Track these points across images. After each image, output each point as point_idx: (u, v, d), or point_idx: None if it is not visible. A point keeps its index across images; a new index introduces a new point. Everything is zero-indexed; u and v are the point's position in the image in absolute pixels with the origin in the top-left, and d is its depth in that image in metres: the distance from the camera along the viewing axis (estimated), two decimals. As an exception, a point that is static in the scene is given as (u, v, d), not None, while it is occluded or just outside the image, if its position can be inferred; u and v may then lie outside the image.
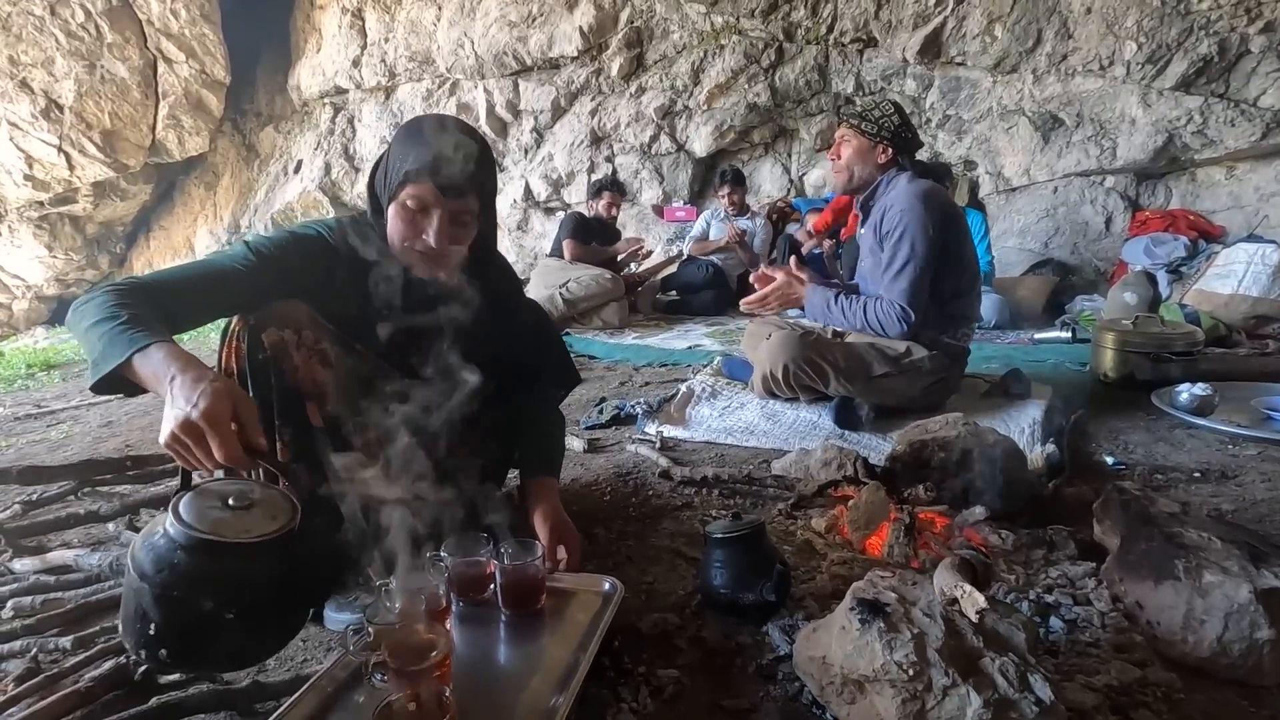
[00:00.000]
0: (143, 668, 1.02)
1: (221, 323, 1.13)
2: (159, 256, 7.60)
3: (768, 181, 5.89)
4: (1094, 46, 4.20)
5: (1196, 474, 1.76)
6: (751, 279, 2.36)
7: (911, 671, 0.86)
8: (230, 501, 0.84)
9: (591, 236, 4.81)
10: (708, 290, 4.84)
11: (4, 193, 6.53)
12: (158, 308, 0.98)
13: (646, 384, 2.92)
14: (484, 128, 6.15)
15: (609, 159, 6.06)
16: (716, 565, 1.20)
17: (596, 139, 6.00)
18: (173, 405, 0.84)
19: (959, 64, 4.74)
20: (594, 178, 5.78)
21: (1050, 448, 1.82)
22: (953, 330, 2.21)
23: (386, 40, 6.36)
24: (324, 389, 1.07)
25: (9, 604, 1.30)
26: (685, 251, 5.20)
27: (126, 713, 0.96)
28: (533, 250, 6.41)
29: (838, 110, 5.38)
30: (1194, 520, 1.22)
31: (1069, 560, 1.32)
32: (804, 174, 5.79)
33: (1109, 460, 1.86)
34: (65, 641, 1.14)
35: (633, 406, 2.42)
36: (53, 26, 6.01)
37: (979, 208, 4.65)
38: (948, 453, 1.59)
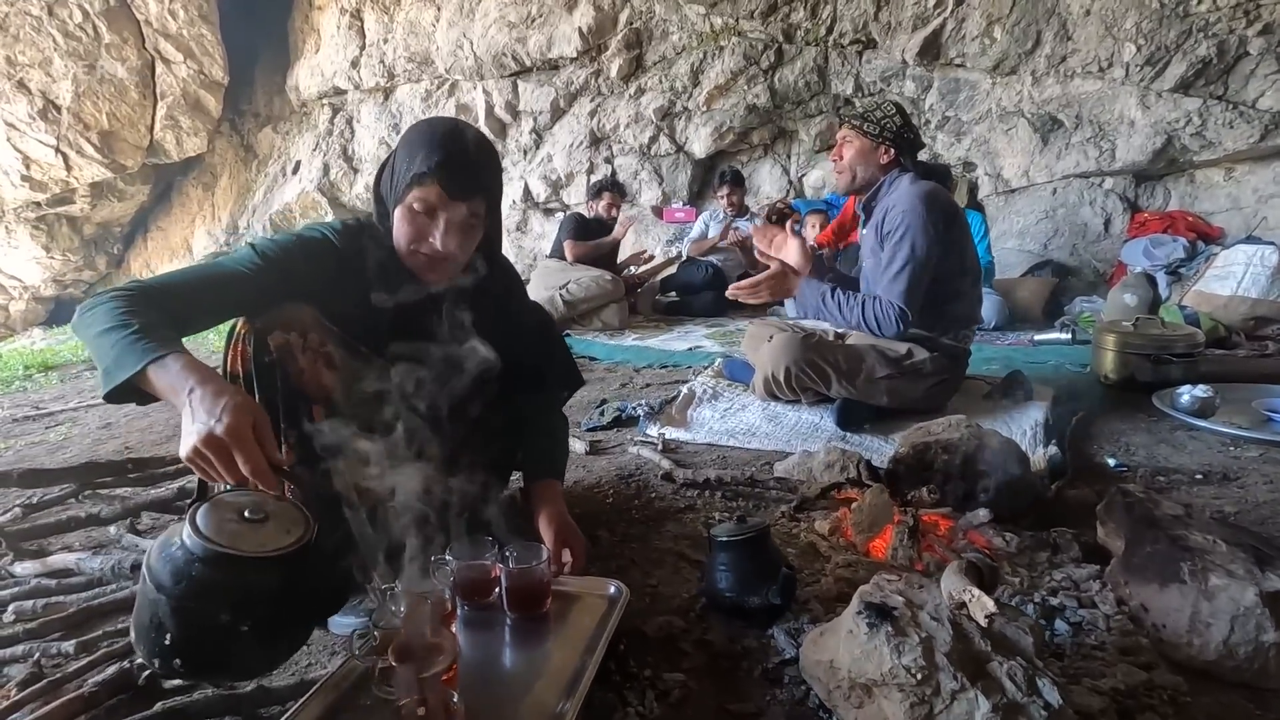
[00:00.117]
0: (147, 672, 1.02)
1: (224, 325, 1.13)
2: (156, 257, 7.59)
3: (767, 183, 5.89)
4: (1093, 48, 4.21)
5: (1198, 476, 1.76)
6: (731, 293, 2.25)
7: (920, 676, 0.86)
8: (246, 514, 0.84)
9: (591, 237, 4.80)
10: (707, 291, 4.83)
11: (1, 193, 6.51)
12: (165, 313, 0.98)
13: (647, 385, 2.92)
14: (483, 128, 6.14)
15: (608, 160, 6.06)
16: (722, 568, 1.20)
17: (596, 140, 6.00)
18: (194, 419, 0.85)
19: (958, 65, 4.75)
20: (594, 179, 5.78)
21: (1052, 450, 1.82)
22: (954, 332, 2.21)
23: (385, 41, 6.36)
24: (329, 392, 1.06)
25: (10, 608, 1.29)
26: (684, 253, 5.20)
27: (132, 718, 0.95)
28: (532, 251, 6.40)
29: (837, 111, 5.40)
30: (1198, 523, 1.22)
31: (1073, 563, 1.32)
32: (803, 175, 5.79)
33: (1111, 462, 1.87)
34: (68, 646, 1.14)
35: (634, 408, 2.42)
36: (50, 27, 6.00)
37: (978, 209, 4.66)
38: (951, 455, 1.59)
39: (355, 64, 6.51)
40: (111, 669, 1.03)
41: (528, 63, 5.88)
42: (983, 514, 1.43)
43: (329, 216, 6.91)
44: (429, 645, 0.88)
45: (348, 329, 1.15)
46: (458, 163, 1.10)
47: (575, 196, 6.17)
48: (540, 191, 6.26)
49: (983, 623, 0.88)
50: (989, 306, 3.67)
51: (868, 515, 1.45)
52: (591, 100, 5.90)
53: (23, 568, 1.44)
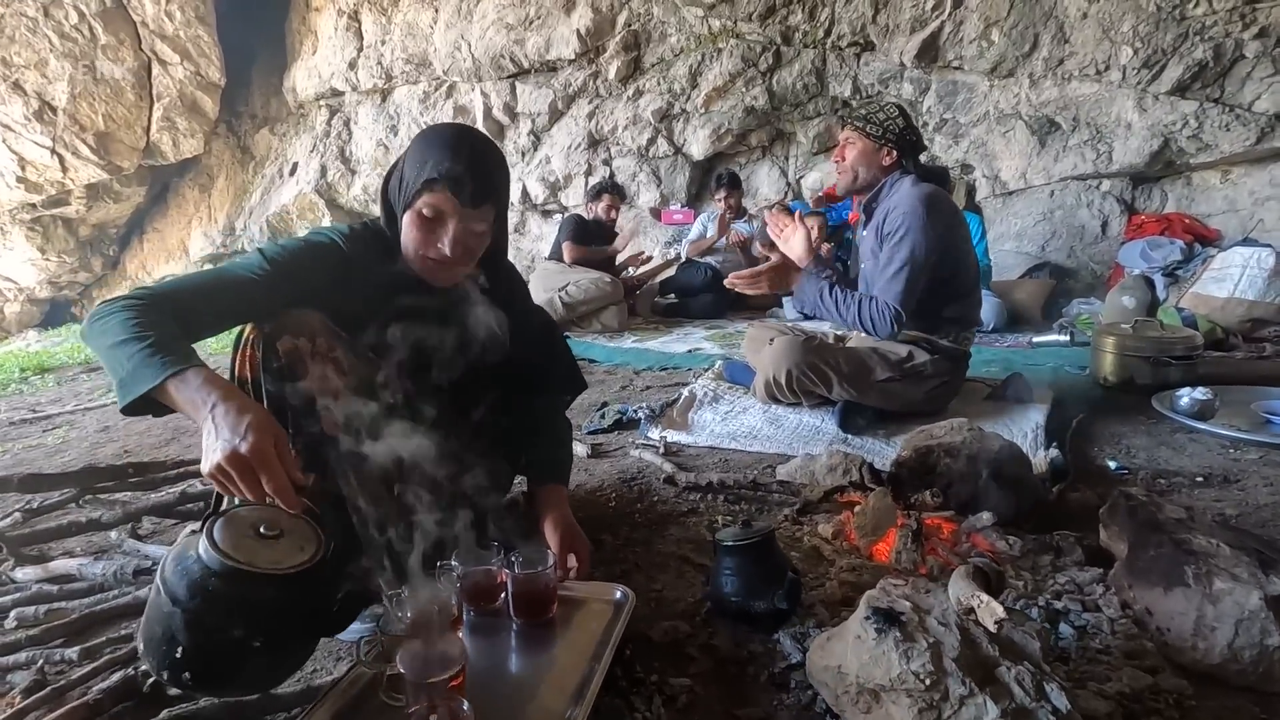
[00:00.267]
0: (152, 679, 1.01)
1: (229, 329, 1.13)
2: (152, 259, 7.56)
3: (765, 184, 5.90)
4: (1090, 51, 4.23)
5: (1199, 479, 1.77)
6: (730, 281, 2.26)
7: (928, 681, 0.86)
8: (262, 530, 0.85)
9: (590, 239, 4.81)
10: (706, 293, 4.84)
11: (-3, 195, 6.48)
12: (176, 321, 0.98)
13: (648, 388, 2.92)
14: (481, 130, 6.14)
15: (606, 162, 6.07)
16: (727, 573, 1.20)
17: (594, 142, 6.00)
18: (217, 435, 0.86)
19: (956, 68, 4.77)
20: (592, 181, 5.79)
21: (1054, 452, 1.82)
22: (955, 334, 2.22)
23: (383, 42, 6.35)
24: (337, 397, 1.06)
25: (12, 613, 1.29)
26: (683, 255, 5.20)
27: (136, 726, 0.95)
28: (530, 253, 6.40)
29: (835, 113, 5.41)
30: (1201, 526, 1.23)
31: (1076, 566, 1.32)
32: (801, 177, 5.80)
33: (1111, 465, 1.87)
34: (72, 652, 1.13)
35: (635, 411, 2.42)
36: (46, 28, 5.98)
37: (976, 211, 4.67)
38: (953, 458, 1.59)
39: (353, 65, 6.50)
40: (116, 676, 1.03)
41: (526, 64, 5.88)
42: (986, 517, 1.43)
43: (326, 218, 6.90)
44: (438, 652, 0.88)
45: (355, 333, 1.15)
46: (468, 169, 1.10)
47: (573, 198, 6.17)
48: (538, 193, 6.26)
49: (992, 628, 0.89)
50: (987, 308, 3.68)
51: (871, 519, 1.45)
52: (590, 102, 5.90)
53: (24, 573, 1.43)
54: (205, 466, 0.86)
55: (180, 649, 0.80)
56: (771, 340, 2.39)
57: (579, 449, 2.09)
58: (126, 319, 0.93)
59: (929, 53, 4.68)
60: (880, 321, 2.08)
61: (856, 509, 1.50)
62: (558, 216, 6.26)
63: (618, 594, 1.17)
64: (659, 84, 5.61)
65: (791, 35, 5.07)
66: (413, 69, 6.33)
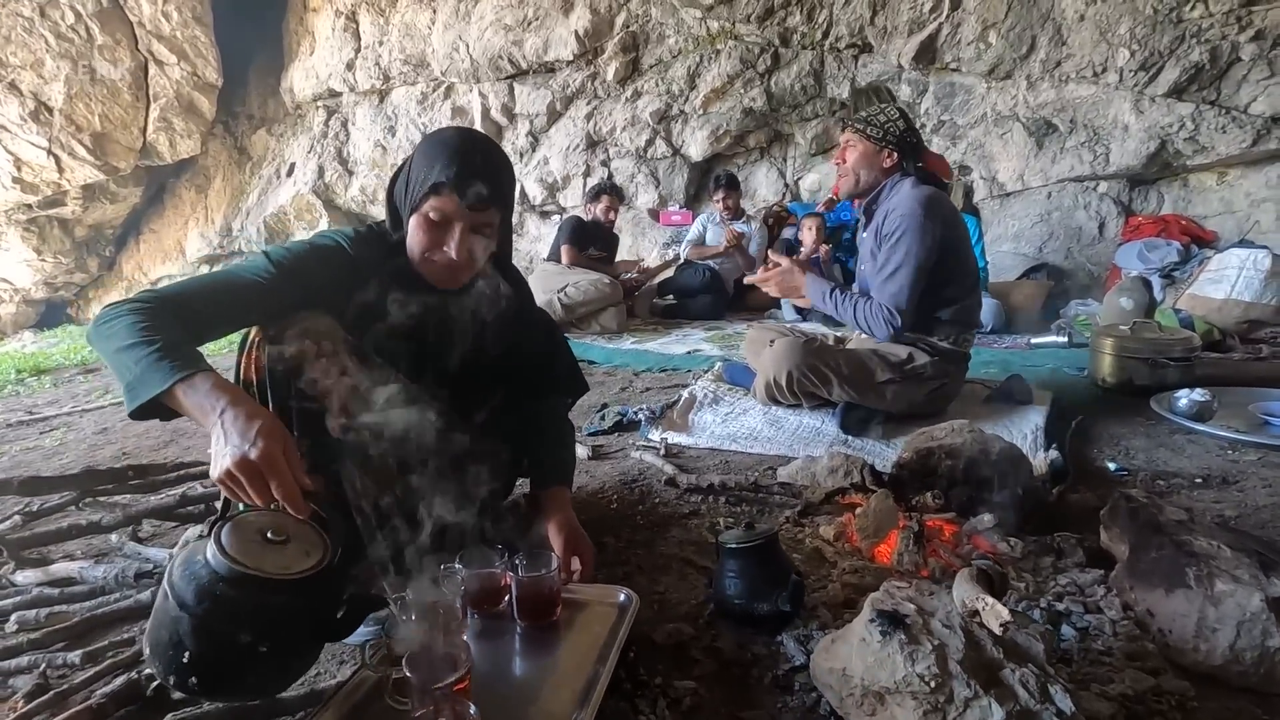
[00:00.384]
0: (155, 683, 1.01)
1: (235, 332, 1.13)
2: (149, 260, 7.53)
3: (763, 186, 5.91)
4: (1087, 53, 4.24)
5: (1198, 480, 1.78)
6: (748, 280, 2.40)
7: (934, 683, 0.86)
8: (269, 535, 0.85)
9: (589, 241, 4.80)
10: (705, 295, 4.84)
11: (-8, 196, 6.45)
12: (183, 324, 0.98)
13: (647, 389, 2.92)
14: (462, 125, 6.13)
15: (605, 163, 6.07)
16: (730, 575, 1.20)
17: (592, 143, 6.00)
18: (226, 441, 0.86)
19: (953, 70, 4.78)
20: (590, 182, 5.79)
21: (1053, 454, 1.83)
22: (954, 336, 2.23)
23: (381, 43, 6.35)
24: (342, 400, 1.06)
25: (13, 617, 1.28)
26: (682, 256, 5.21)
27: (140, 730, 0.95)
28: (528, 254, 6.40)
29: (833, 113, 5.42)
30: (1202, 528, 1.23)
31: (1077, 567, 1.33)
32: (799, 178, 5.82)
33: (1111, 466, 1.88)
34: (74, 656, 1.13)
35: (635, 413, 2.42)
36: (42, 28, 5.95)
37: (973, 212, 4.68)
38: (955, 460, 1.59)
39: (350, 66, 6.49)
40: (119, 680, 1.03)
41: (524, 65, 5.88)
42: (987, 519, 1.43)
43: (324, 219, 6.88)
44: (444, 655, 0.88)
45: (360, 336, 1.15)
46: (475, 173, 1.11)
47: (571, 199, 6.17)
48: (536, 194, 6.26)
49: (997, 631, 0.89)
50: (985, 310, 3.69)
51: (873, 520, 1.45)
52: (588, 103, 5.91)
53: (24, 576, 1.43)
54: (215, 472, 0.86)
55: (187, 653, 0.80)
56: (771, 342, 2.39)
57: (580, 451, 2.09)
58: (134, 322, 0.93)
59: (927, 54, 4.70)
60: (876, 323, 2.09)
61: (858, 511, 1.50)
62: (556, 217, 6.26)
63: (621, 596, 1.17)
64: (657, 85, 5.62)
65: (790, 37, 5.08)
66: (410, 70, 6.33)
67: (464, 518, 1.14)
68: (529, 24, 5.70)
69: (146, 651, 0.85)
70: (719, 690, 1.05)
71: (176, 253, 7.43)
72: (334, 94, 6.80)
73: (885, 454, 2.00)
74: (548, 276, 4.48)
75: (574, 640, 1.09)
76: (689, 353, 3.64)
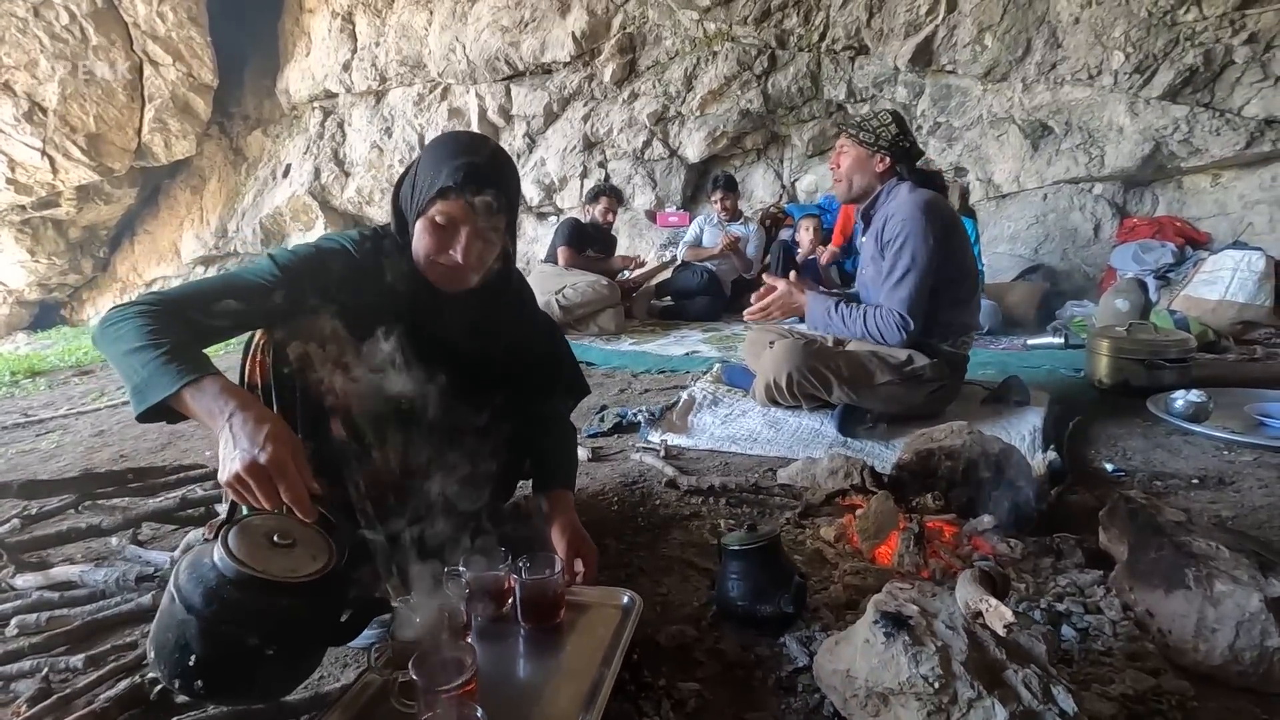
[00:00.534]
0: (159, 687, 1.01)
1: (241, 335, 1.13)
2: (144, 261, 7.51)
3: (760, 187, 5.92)
4: (1082, 56, 4.26)
5: (1195, 480, 1.79)
6: (754, 298, 2.36)
7: (937, 685, 0.87)
8: (275, 539, 0.85)
9: (587, 243, 4.81)
10: (702, 296, 4.85)
11: (-14, 197, 6.42)
12: (190, 327, 0.98)
13: (646, 391, 2.92)
14: (468, 129, 6.13)
15: (602, 164, 6.07)
16: (733, 577, 1.21)
17: (589, 144, 6.01)
18: (235, 445, 0.86)
19: (950, 72, 4.80)
20: (588, 183, 5.79)
21: (1051, 455, 1.84)
22: (953, 338, 2.24)
23: (377, 44, 6.34)
24: (347, 403, 1.06)
25: (13, 621, 1.28)
26: (679, 257, 5.21)
27: (145, 734, 0.95)
28: (525, 255, 6.39)
29: (830, 115, 5.43)
30: (1200, 529, 1.24)
31: (1077, 568, 1.33)
32: (796, 179, 5.83)
33: (1109, 467, 1.89)
34: (76, 660, 1.13)
35: (634, 414, 2.43)
36: (36, 29, 5.93)
37: (970, 214, 4.70)
38: (954, 461, 1.60)
39: (347, 67, 6.48)
40: (123, 684, 1.02)
41: (521, 67, 5.88)
42: (987, 520, 1.44)
43: (320, 220, 6.87)
44: (450, 658, 0.88)
45: (365, 339, 1.15)
46: (482, 178, 1.11)
47: (568, 201, 6.17)
48: (533, 196, 6.26)
49: (1001, 633, 0.89)
50: (982, 311, 3.70)
51: (873, 522, 1.46)
52: (585, 105, 5.91)
53: (24, 580, 1.42)
54: (223, 476, 0.86)
55: (193, 657, 0.80)
56: (771, 343, 2.40)
57: (580, 453, 2.08)
58: (140, 325, 0.93)
59: (923, 57, 4.71)
60: (888, 329, 2.10)
61: (858, 512, 1.51)
62: (553, 219, 6.26)
63: (625, 599, 1.17)
64: (654, 87, 5.62)
65: (786, 39, 5.10)
66: (407, 71, 6.32)
67: (467, 520, 1.14)
68: (526, 25, 5.70)
69: (151, 655, 0.84)
70: (723, 692, 1.05)
71: (171, 254, 7.41)
72: (330, 95, 6.78)
73: (885, 455, 2.01)
74: (545, 278, 4.48)
75: (578, 642, 1.09)
76: (687, 354, 3.65)
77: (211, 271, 7.41)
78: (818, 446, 2.10)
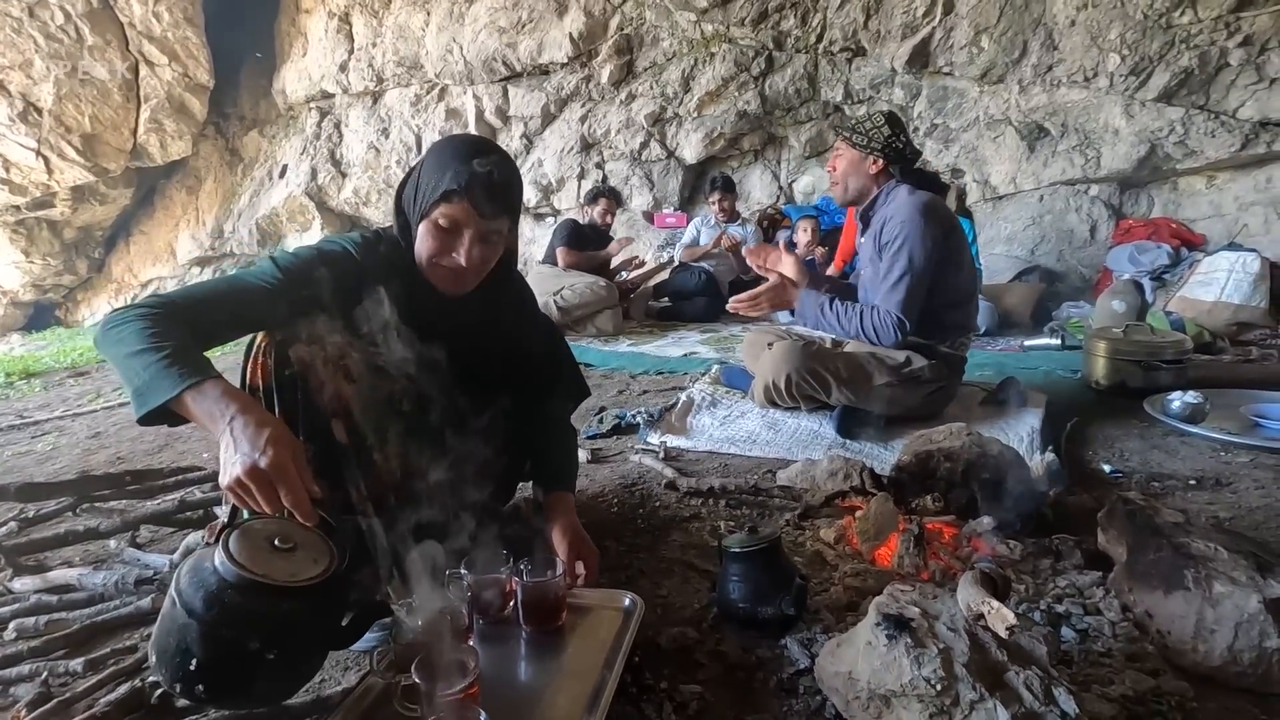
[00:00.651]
0: (159, 691, 1.00)
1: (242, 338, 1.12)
2: (139, 262, 7.48)
3: (757, 188, 5.93)
4: (1078, 58, 4.28)
5: (1192, 481, 1.80)
6: (731, 306, 2.29)
7: (940, 686, 0.87)
8: (276, 543, 0.85)
9: (585, 244, 4.81)
10: (700, 297, 4.85)
11: (-20, 197, 6.39)
12: (191, 330, 0.98)
13: (644, 392, 2.92)
14: (472, 133, 6.13)
15: (599, 165, 6.07)
16: (734, 579, 1.21)
17: (587, 145, 6.00)
18: (236, 449, 0.86)
19: (946, 74, 4.81)
20: (585, 184, 5.79)
21: (1050, 456, 1.85)
22: (951, 340, 2.24)
23: (374, 45, 6.32)
24: (348, 405, 1.06)
25: (11, 625, 1.27)
26: (676, 258, 5.22)
27: (145, 738, 0.94)
28: (523, 256, 6.38)
29: (827, 116, 5.45)
30: (1199, 530, 1.25)
31: (1076, 569, 1.34)
32: (793, 181, 5.84)
33: (1106, 468, 1.90)
34: (76, 664, 1.12)
35: (633, 416, 2.43)
36: (31, 28, 5.90)
37: (967, 215, 4.72)
38: (953, 463, 1.61)
39: (343, 68, 6.47)
40: (123, 688, 1.02)
41: (518, 68, 5.87)
42: (986, 521, 1.45)
43: (316, 221, 6.85)
44: (453, 661, 0.88)
45: (367, 342, 1.15)
46: (487, 181, 1.11)
47: (566, 202, 6.17)
48: (531, 197, 6.25)
49: (1004, 635, 0.90)
50: (980, 312, 3.71)
51: (873, 523, 1.46)
52: (582, 106, 5.91)
53: (22, 583, 1.42)
54: (224, 480, 0.86)
55: (195, 661, 0.80)
56: (769, 345, 2.40)
57: (579, 454, 2.09)
58: (142, 328, 0.93)
59: (920, 58, 4.72)
60: (884, 330, 2.10)
61: (858, 514, 1.51)
62: (550, 220, 6.26)
63: (626, 601, 1.17)
64: (651, 88, 5.62)
65: (784, 40, 5.10)
66: (404, 72, 6.31)
67: (469, 523, 1.14)
68: (523, 26, 5.70)
69: (153, 659, 0.84)
70: (724, 694, 1.05)
71: (167, 255, 7.38)
72: (327, 95, 6.77)
73: (884, 457, 2.01)
74: (543, 279, 4.48)
75: (580, 645, 1.09)
76: (685, 355, 3.65)
77: (207, 272, 7.40)
78: (817, 448, 2.11)
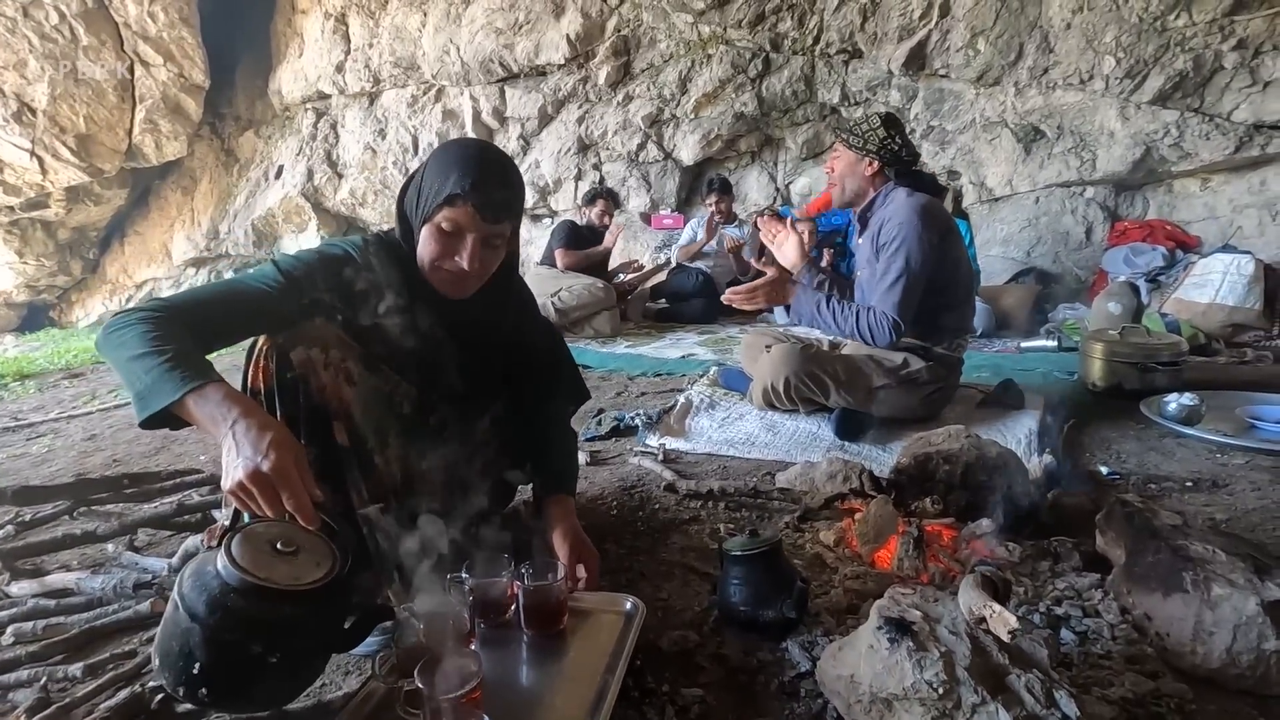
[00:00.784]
0: (160, 696, 1.00)
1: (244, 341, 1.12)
2: (134, 262, 7.45)
3: (754, 190, 5.94)
4: (1074, 61, 4.30)
5: (1188, 483, 1.80)
6: (725, 299, 2.27)
7: (942, 690, 0.87)
8: (279, 546, 0.85)
9: (583, 245, 4.81)
10: (698, 298, 4.86)
11: (-26, 198, 6.36)
12: (193, 333, 0.98)
13: (643, 394, 2.92)
14: (469, 134, 6.13)
15: (596, 166, 6.07)
16: (735, 582, 1.21)
17: (584, 146, 6.00)
18: (239, 453, 0.86)
19: (943, 76, 4.83)
20: (582, 185, 5.79)
21: (1048, 458, 1.85)
22: (949, 341, 2.25)
23: (371, 46, 6.31)
24: (350, 408, 1.06)
25: (9, 629, 1.26)
26: (673, 259, 5.22)
27: (146, 744, 0.94)
28: (520, 257, 6.38)
29: (824, 118, 5.46)
30: (1197, 532, 1.25)
31: (1074, 572, 1.34)
32: (790, 182, 5.85)
33: (1103, 470, 1.90)
34: (75, 669, 1.11)
35: (632, 418, 2.43)
36: (25, 28, 5.87)
37: (963, 217, 4.73)
38: (952, 465, 1.61)
39: (340, 68, 6.45)
40: (123, 693, 1.02)
41: (515, 69, 5.87)
42: (985, 524, 1.45)
43: (313, 222, 6.84)
44: (454, 665, 0.88)
45: (368, 345, 1.15)
46: (490, 186, 1.11)
47: (563, 203, 6.17)
48: (528, 198, 6.25)
49: (1005, 638, 0.90)
50: (976, 314, 3.72)
51: (873, 526, 1.46)
52: (579, 107, 5.91)
53: (19, 588, 1.41)
54: (226, 484, 0.86)
55: (198, 664, 0.80)
56: (768, 347, 2.41)
57: (578, 457, 2.09)
58: (144, 331, 0.93)
59: (916, 61, 4.74)
60: (878, 331, 2.11)
61: (858, 516, 1.52)
62: (547, 221, 6.26)
63: (628, 604, 1.17)
64: (649, 89, 5.63)
65: (781, 42, 5.11)
66: (401, 72, 6.30)
67: (470, 526, 1.14)
68: (520, 27, 5.69)
69: (156, 663, 0.84)
70: (726, 697, 1.05)
71: (162, 255, 7.35)
72: (323, 96, 6.75)
73: (883, 459, 2.01)
74: (541, 280, 4.48)
75: (581, 649, 1.09)
76: (683, 357, 3.66)
77: (203, 273, 7.37)
78: (815, 450, 2.11)
